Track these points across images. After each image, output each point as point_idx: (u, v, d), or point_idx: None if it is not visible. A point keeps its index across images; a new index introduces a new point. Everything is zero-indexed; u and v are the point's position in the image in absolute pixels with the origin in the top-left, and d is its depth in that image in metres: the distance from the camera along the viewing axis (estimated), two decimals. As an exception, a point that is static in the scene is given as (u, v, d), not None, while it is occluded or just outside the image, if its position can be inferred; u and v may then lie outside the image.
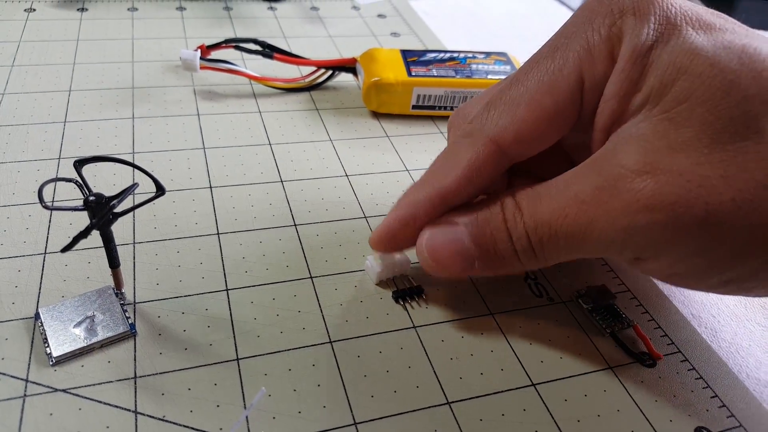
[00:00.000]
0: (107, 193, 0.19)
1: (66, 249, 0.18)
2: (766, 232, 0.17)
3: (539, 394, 0.21)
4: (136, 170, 0.26)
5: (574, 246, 0.19)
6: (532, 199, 0.20)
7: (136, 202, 0.20)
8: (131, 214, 0.26)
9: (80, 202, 0.19)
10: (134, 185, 0.19)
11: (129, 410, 0.19)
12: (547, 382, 0.22)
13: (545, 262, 0.21)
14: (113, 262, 0.21)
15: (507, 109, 0.21)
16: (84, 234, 0.18)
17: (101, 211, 0.19)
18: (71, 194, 0.27)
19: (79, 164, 0.20)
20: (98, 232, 0.20)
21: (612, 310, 0.25)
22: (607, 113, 0.20)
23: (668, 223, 0.17)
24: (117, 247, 0.21)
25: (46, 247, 0.24)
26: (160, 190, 0.20)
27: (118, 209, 0.20)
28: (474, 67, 0.37)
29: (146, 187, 0.20)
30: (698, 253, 0.18)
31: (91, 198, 0.19)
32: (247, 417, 0.19)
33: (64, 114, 0.32)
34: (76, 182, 0.20)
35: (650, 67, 0.18)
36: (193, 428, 0.18)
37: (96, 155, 0.20)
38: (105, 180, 0.28)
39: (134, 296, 0.23)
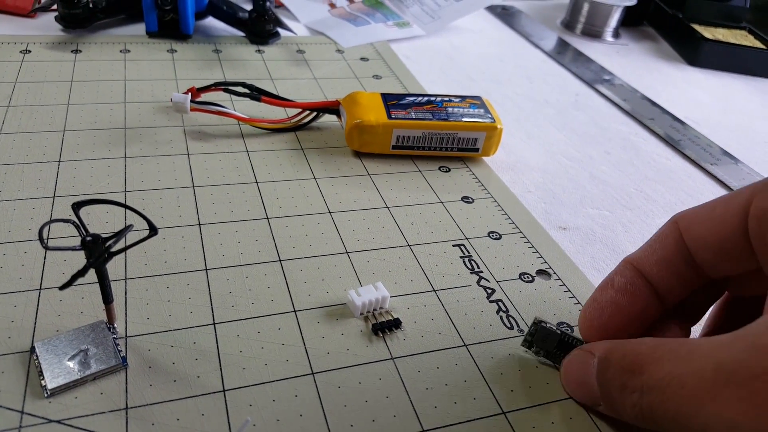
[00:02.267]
0: (101, 232, 0.21)
1: (64, 287, 0.19)
2: None
3: (509, 422, 0.23)
4: (129, 210, 0.27)
5: (683, 422, 0.17)
6: (657, 353, 0.19)
7: (130, 242, 0.22)
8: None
9: (75, 241, 0.20)
10: (129, 227, 0.21)
11: (120, 440, 0.20)
12: (517, 410, 0.23)
13: (653, 427, 0.19)
14: (107, 298, 0.22)
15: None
16: (82, 273, 0.19)
17: (97, 251, 0.20)
18: (64, 232, 0.28)
19: (77, 206, 0.21)
20: (93, 269, 0.22)
21: (563, 344, 0.25)
22: None
23: None
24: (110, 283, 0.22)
25: (41, 283, 0.25)
26: (153, 231, 0.21)
27: (113, 249, 0.21)
28: (450, 110, 0.39)
29: (138, 226, 0.22)
30: None
31: (88, 239, 0.21)
32: (232, 445, 0.20)
33: (59, 153, 0.34)
34: (73, 223, 0.21)
35: None
36: (181, 457, 0.19)
37: (93, 198, 0.22)
38: (98, 218, 0.29)
39: (126, 330, 0.24)
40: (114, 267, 0.27)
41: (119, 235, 0.21)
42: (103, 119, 0.38)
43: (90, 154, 0.34)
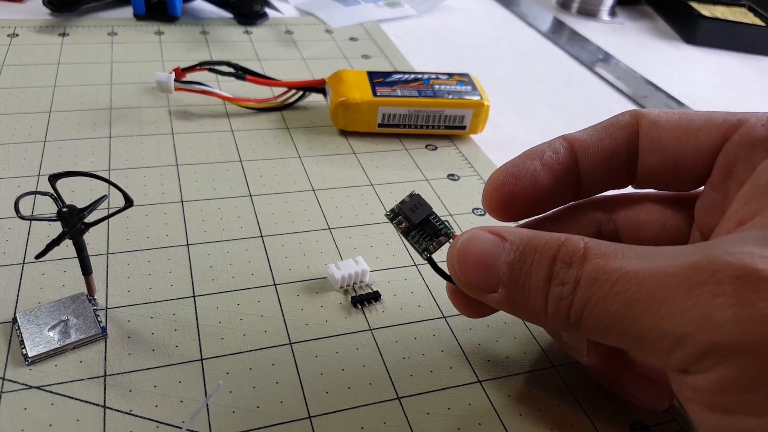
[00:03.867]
0: (81, 206, 0.21)
1: (40, 255, 0.20)
2: None
3: (484, 390, 0.23)
4: (111, 186, 0.28)
5: (624, 323, 0.16)
6: (608, 250, 0.16)
7: (111, 216, 0.22)
8: (105, 227, 0.28)
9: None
10: (103, 197, 0.21)
11: (98, 405, 0.20)
12: (493, 379, 0.24)
13: (573, 327, 0.17)
14: (86, 269, 0.23)
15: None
16: (57, 242, 0.20)
17: (73, 221, 0.21)
18: (49, 209, 0.29)
19: (53, 178, 0.22)
20: (72, 241, 0.22)
21: (429, 226, 0.22)
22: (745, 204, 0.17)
23: None
24: (90, 256, 0.23)
25: (24, 258, 0.26)
26: (129, 202, 0.22)
27: (89, 220, 0.22)
28: (437, 87, 0.39)
29: (118, 201, 0.22)
30: None
31: (64, 210, 0.21)
32: (208, 411, 0.20)
33: (44, 134, 0.34)
34: (51, 195, 0.22)
35: None
36: (157, 421, 0.20)
37: (69, 170, 0.22)
38: (81, 195, 0.29)
39: (106, 302, 0.24)
40: (96, 242, 0.27)
41: (94, 205, 0.21)
42: (89, 101, 0.38)
43: (75, 134, 0.34)
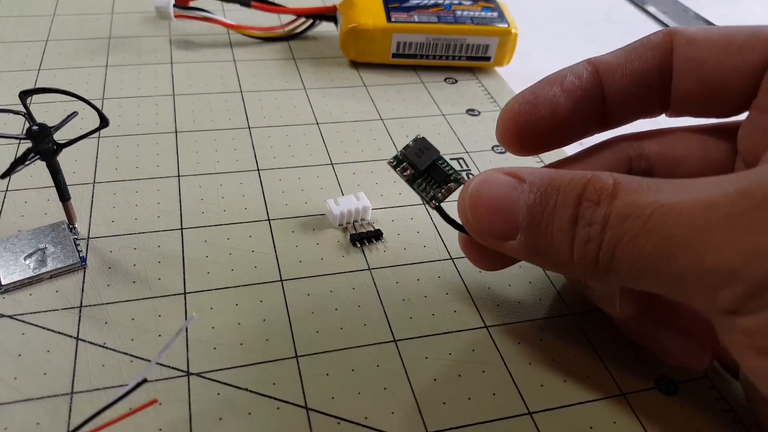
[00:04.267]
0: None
1: (5, 175, 0.18)
2: None
3: (491, 337, 0.21)
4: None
5: (661, 263, 0.14)
6: (640, 184, 0.15)
7: (85, 137, 0.20)
8: (94, 155, 0.26)
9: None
10: (73, 114, 0.19)
11: (71, 336, 0.19)
12: (501, 324, 0.22)
13: (603, 273, 0.15)
14: (63, 195, 0.21)
15: None
16: (21, 160, 0.18)
17: (42, 139, 0.19)
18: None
19: (24, 95, 0.20)
20: (46, 164, 0.20)
21: (437, 172, 0.20)
22: None
23: None
24: (76, 185, 0.21)
25: (8, 186, 0.24)
26: (104, 122, 0.20)
27: (63, 141, 0.20)
28: (459, 13, 0.35)
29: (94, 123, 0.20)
30: None
31: (35, 128, 0.19)
32: (187, 347, 0.19)
33: (39, 62, 0.32)
34: (22, 114, 0.20)
35: None
36: (131, 355, 0.19)
37: (41, 87, 0.20)
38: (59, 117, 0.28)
39: (89, 231, 0.23)
40: (84, 170, 0.25)
41: (64, 122, 0.19)
42: (87, 29, 0.36)
43: (71, 63, 0.33)
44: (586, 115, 0.19)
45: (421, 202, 0.26)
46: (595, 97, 0.19)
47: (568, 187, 0.16)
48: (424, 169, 0.19)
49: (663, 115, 0.21)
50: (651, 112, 0.20)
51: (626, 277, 0.15)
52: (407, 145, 0.20)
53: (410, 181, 0.20)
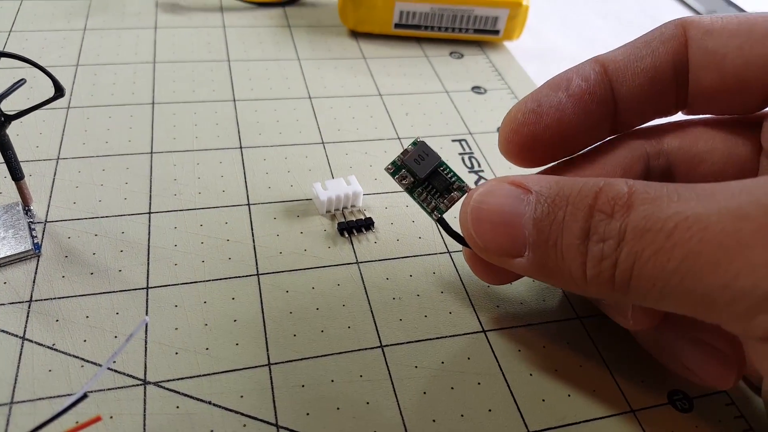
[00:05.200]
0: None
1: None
2: None
3: (489, 343, 0.19)
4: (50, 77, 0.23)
5: (686, 283, 0.12)
6: (660, 193, 0.13)
7: (36, 108, 0.18)
8: (60, 128, 0.24)
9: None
10: (20, 81, 0.17)
11: (16, 336, 0.17)
12: (501, 329, 0.19)
13: (621, 293, 0.14)
14: (15, 173, 0.19)
15: None
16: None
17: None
18: None
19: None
20: (-7, 139, 0.18)
21: (439, 180, 0.18)
22: None
23: None
24: (39, 161, 0.19)
25: (-38, 160, 0.22)
26: (59, 91, 0.18)
27: (11, 112, 0.18)
28: (467, -19, 0.32)
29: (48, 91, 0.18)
30: None
31: (-25, 98, 0.17)
32: (145, 351, 0.17)
33: (11, 23, 0.30)
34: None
35: None
36: (82, 359, 0.16)
37: (-15, 51, 0.18)
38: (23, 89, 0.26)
39: (47, 214, 0.20)
40: (48, 145, 0.23)
41: (9, 90, 0.17)
42: (67, -12, 0.33)
43: (46, 25, 0.30)
44: (596, 120, 0.18)
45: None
46: (604, 100, 0.17)
47: (578, 197, 0.14)
48: (425, 177, 0.18)
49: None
50: (667, 112, 0.18)
51: (646, 297, 0.13)
52: (405, 149, 0.18)
53: (410, 190, 0.18)
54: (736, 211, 0.12)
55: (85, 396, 0.13)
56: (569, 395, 0.18)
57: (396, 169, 0.18)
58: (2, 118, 0.18)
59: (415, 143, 0.18)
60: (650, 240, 0.13)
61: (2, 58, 0.18)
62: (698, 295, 0.12)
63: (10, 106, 0.18)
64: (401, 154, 0.18)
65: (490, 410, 0.17)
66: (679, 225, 0.12)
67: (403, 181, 0.18)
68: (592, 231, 0.14)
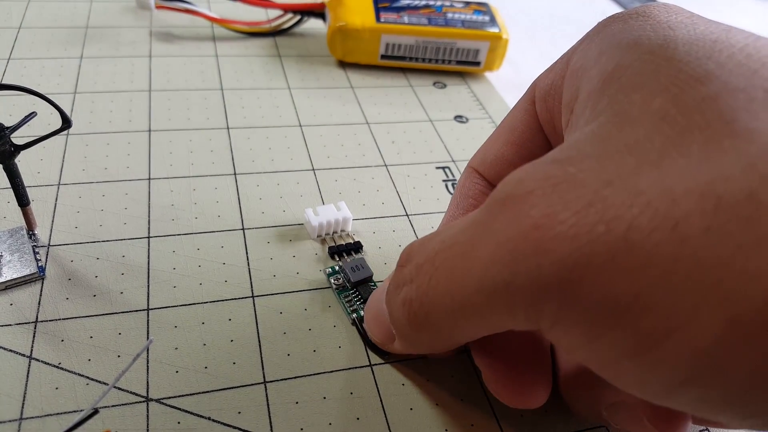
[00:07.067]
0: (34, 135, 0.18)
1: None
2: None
3: (470, 359, 0.20)
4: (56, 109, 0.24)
5: (454, 291, 0.13)
6: (427, 236, 0.15)
7: (45, 139, 0.19)
8: (61, 155, 0.25)
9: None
10: (32, 114, 0.18)
11: (23, 355, 0.18)
12: (482, 348, 0.21)
13: (428, 331, 0.15)
14: (21, 199, 0.20)
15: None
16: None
17: (-3, 142, 0.18)
18: None
19: (-22, 93, 0.19)
20: (2, 167, 0.19)
21: (366, 291, 0.21)
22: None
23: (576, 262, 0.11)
24: (40, 186, 0.20)
25: (-35, 185, 0.23)
26: (66, 123, 0.19)
27: (21, 143, 0.19)
28: (450, 15, 0.34)
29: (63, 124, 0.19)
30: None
31: (-11, 129, 0.18)
32: (147, 370, 0.18)
33: (9, 51, 0.31)
34: (-23, 113, 0.19)
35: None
36: (87, 377, 0.17)
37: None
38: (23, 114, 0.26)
39: (50, 238, 0.21)
40: (49, 171, 0.24)
41: (21, 123, 0.18)
42: (64, 17, 0.34)
43: (43, 53, 0.31)
44: None
45: (404, 213, 0.25)
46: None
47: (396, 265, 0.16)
48: (354, 283, 0.21)
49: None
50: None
51: (437, 316, 0.14)
52: (345, 259, 0.22)
53: (339, 291, 0.21)
54: (469, 221, 0.14)
55: (96, 411, 0.14)
56: (546, 411, 0.19)
57: (333, 271, 0.22)
58: (12, 148, 0.18)
59: (354, 258, 0.22)
60: (426, 272, 0.14)
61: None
62: (466, 293, 0.13)
63: (19, 135, 0.19)
64: (341, 261, 0.22)
65: (472, 425, 0.18)
66: (439, 253, 0.14)
67: (337, 281, 0.21)
68: (397, 284, 0.16)
